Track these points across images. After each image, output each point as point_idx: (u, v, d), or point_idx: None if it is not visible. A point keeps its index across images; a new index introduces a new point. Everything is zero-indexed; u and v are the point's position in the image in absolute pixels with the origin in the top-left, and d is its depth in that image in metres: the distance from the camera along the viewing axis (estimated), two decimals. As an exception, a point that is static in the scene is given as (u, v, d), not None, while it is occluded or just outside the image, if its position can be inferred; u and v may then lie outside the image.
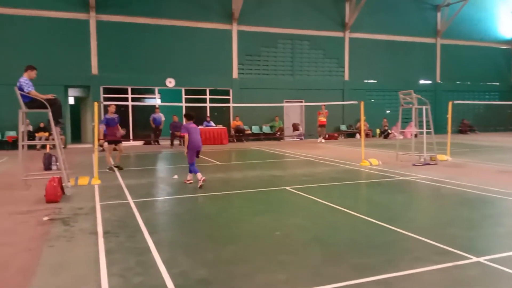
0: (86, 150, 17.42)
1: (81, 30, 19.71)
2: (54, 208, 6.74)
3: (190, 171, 9.15)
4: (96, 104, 10.02)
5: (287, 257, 4.43)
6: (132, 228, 5.56)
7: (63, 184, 7.95)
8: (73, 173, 9.90)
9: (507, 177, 9.56)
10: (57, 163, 10.91)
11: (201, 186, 8.61)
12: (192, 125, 9.15)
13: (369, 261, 4.29)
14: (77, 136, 22.38)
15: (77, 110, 23.13)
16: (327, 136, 22.66)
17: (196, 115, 9.57)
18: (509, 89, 29.90)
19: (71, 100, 23.05)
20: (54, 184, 7.30)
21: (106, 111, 19.71)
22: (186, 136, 9.02)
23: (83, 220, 6.04)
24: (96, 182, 9.20)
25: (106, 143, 12.24)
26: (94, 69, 20.11)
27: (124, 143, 19.82)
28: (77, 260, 4.40)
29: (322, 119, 21.89)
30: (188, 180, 9.33)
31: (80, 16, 19.68)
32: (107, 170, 11.16)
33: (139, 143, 21.04)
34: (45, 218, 6.05)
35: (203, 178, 8.70)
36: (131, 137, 21.02)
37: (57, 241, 5.04)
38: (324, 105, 21.35)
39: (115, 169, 11.32)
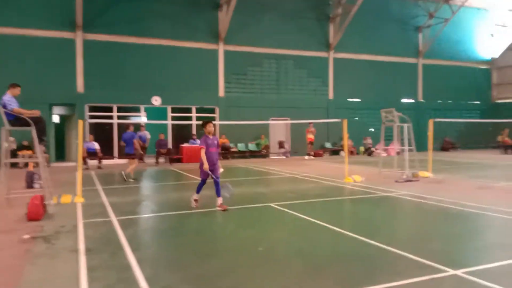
0: (70, 168, 17.26)
1: (67, 49, 19.75)
2: (36, 226, 6.68)
3: (198, 191, 8.26)
4: (81, 122, 10.01)
5: (270, 272, 4.48)
6: (114, 246, 5.54)
7: (46, 202, 7.88)
8: (56, 191, 9.80)
9: (485, 193, 9.78)
10: (40, 181, 10.80)
11: (224, 209, 7.85)
12: (210, 138, 8.20)
13: (351, 274, 4.37)
14: (61, 154, 22.14)
15: (61, 128, 22.94)
16: (312, 152, 22.86)
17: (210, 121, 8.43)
18: (489, 107, 30.68)
19: (56, 118, 22.89)
20: (36, 202, 7.24)
21: (92, 130, 19.73)
22: (203, 151, 7.99)
23: (65, 238, 6.00)
24: (79, 200, 9.13)
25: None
26: (80, 88, 20.09)
27: (109, 161, 19.80)
28: (59, 278, 4.37)
29: (310, 136, 22.14)
30: (195, 200, 8.25)
31: (67, 35, 19.74)
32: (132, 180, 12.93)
33: (124, 161, 20.88)
34: (26, 236, 5.98)
35: (225, 206, 7.92)
36: (115, 155, 20.89)
37: (38, 259, 5.00)
38: (312, 122, 21.65)
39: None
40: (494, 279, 4.12)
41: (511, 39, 30.42)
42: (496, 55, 30.96)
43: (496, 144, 25.92)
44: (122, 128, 21.24)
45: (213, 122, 8.52)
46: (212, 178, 8.03)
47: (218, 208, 7.90)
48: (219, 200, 8.00)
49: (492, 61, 31.01)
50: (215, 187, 8.03)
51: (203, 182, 8.27)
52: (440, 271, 4.39)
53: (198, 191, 8.25)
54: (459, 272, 4.34)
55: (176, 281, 4.22)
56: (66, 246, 5.54)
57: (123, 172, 13.28)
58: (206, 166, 7.87)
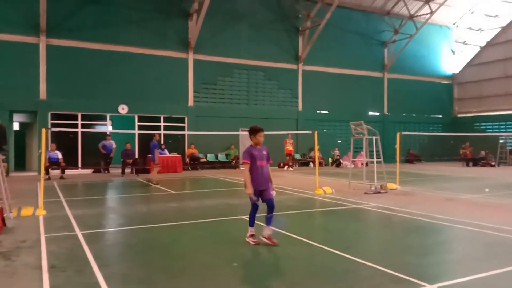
0: (31, 178, 16.51)
1: (30, 54, 19.01)
2: (-7, 241, 6.26)
3: (251, 223, 6.20)
4: (44, 130, 9.56)
5: (245, 289, 4.33)
6: (80, 262, 5.24)
7: (4, 215, 7.42)
8: (16, 203, 9.29)
9: (453, 205, 10.00)
10: (-2, 193, 10.21)
11: (274, 244, 6.05)
12: (257, 148, 6.24)
13: (327, 291, 4.28)
14: (21, 163, 21.17)
15: (22, 136, 21.98)
16: (291, 164, 22.87)
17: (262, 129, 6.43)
18: (451, 121, 31.83)
19: (16, 126, 21.92)
20: (-6, 215, 6.80)
21: (54, 138, 19.01)
22: (246, 167, 6.05)
23: (26, 253, 5.64)
24: (41, 212, 8.67)
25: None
26: (43, 94, 19.35)
27: (72, 171, 19.09)
28: (19, 298, 4.06)
29: (289, 147, 22.19)
30: (253, 238, 6.19)
31: (30, 39, 19.03)
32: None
33: (88, 171, 20.23)
34: (-17, 253, 5.59)
35: (275, 241, 6.07)
36: (79, 165, 20.19)
37: (-4, 277, 4.65)
38: (290, 133, 21.75)
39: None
40: (469, 293, 4.14)
41: (471, 56, 31.78)
42: (457, 70, 32.24)
43: (458, 157, 26.83)
44: (87, 137, 20.63)
45: (182, 132, 7.86)
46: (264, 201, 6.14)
47: (265, 240, 6.09)
48: (268, 231, 6.11)
49: (453, 76, 32.25)
50: (268, 212, 6.11)
51: (255, 207, 6.16)
52: (417, 285, 4.37)
53: (251, 224, 6.17)
54: (435, 286, 4.34)
55: (147, 300, 4.00)
56: (28, 263, 5.19)
57: (149, 179, 15.19)
58: (249, 190, 5.90)
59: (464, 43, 31.82)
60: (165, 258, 5.62)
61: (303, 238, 6.52)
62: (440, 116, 31.63)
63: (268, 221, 6.11)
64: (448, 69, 31.97)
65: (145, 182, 15.26)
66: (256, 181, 5.98)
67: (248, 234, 6.19)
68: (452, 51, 31.96)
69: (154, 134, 15.56)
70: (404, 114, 29.80)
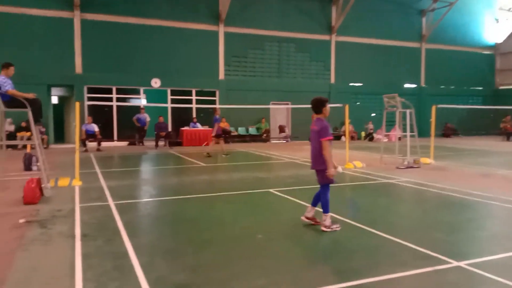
0: (69, 150, 17.13)
1: (65, 29, 19.43)
2: (32, 210, 6.57)
3: (325, 210, 5.49)
4: (77, 104, 9.82)
5: (268, 261, 4.37)
6: (111, 231, 5.43)
7: (43, 185, 7.76)
8: (54, 174, 9.70)
9: (489, 181, 9.66)
10: (38, 164, 10.68)
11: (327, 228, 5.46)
12: (312, 123, 5.63)
13: (351, 265, 4.26)
14: (60, 136, 22.02)
15: (60, 110, 22.77)
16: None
17: (316, 100, 5.65)
18: (492, 94, 30.41)
19: (54, 100, 22.68)
20: (32, 185, 7.12)
21: (91, 111, 19.54)
22: (326, 143, 5.34)
23: (61, 222, 5.89)
24: (77, 183, 9.02)
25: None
26: (78, 69, 19.84)
27: (108, 144, 19.69)
28: (52, 265, 4.26)
29: None
30: (335, 224, 5.53)
31: (64, 14, 19.40)
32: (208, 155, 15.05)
33: (124, 143, 20.79)
34: (21, 221, 5.88)
35: (338, 226, 5.52)
36: (115, 137, 20.76)
37: (32, 245, 4.89)
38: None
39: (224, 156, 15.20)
40: (499, 271, 4.01)
41: (516, 24, 30.01)
42: (500, 40, 30.53)
43: (498, 131, 25.74)
44: (122, 110, 21.11)
45: (214, 105, 7.64)
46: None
47: (307, 221, 5.75)
48: (313, 212, 5.72)
49: (496, 47, 30.60)
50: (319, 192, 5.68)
51: (329, 189, 5.58)
52: (444, 262, 4.28)
53: (327, 209, 5.50)
54: (462, 263, 4.23)
55: (171, 270, 4.11)
56: (62, 231, 5.43)
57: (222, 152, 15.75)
58: (331, 170, 5.31)
59: (509, 10, 29.97)
60: (192, 229, 5.74)
61: (330, 212, 6.47)
62: (481, 88, 30.27)
63: (317, 202, 5.70)
64: (490, 38, 30.32)
65: (205, 154, 15.33)
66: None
67: (328, 222, 5.45)
68: (496, 19, 30.20)
69: (215, 109, 16.24)
70: (442, 86, 28.72)
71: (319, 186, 5.66)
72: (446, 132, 27.39)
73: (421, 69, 28.18)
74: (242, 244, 5.00)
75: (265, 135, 23.10)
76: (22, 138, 16.70)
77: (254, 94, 22.56)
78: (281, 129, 23.99)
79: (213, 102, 22.37)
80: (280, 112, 24.56)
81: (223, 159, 14.77)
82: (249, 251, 4.73)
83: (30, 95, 8.06)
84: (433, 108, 13.68)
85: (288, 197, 7.75)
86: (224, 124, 22.01)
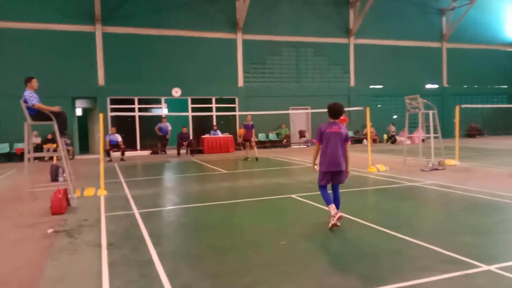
0: (94, 160, 17.49)
1: (87, 42, 19.92)
2: (59, 220, 6.74)
3: (327, 201, 5.94)
4: (101, 115, 10.04)
5: (291, 268, 4.36)
6: (136, 240, 5.52)
7: (69, 196, 7.95)
8: (80, 184, 9.93)
9: (517, 182, 9.40)
10: (64, 175, 10.94)
11: (333, 225, 5.72)
12: (334, 126, 5.99)
13: (376, 270, 4.21)
14: (85, 147, 22.51)
15: (84, 121, 23.30)
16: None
17: (343, 107, 6.21)
18: (517, 92, 29.64)
19: (78, 112, 23.24)
20: (59, 196, 7.30)
21: (114, 122, 19.93)
22: (316, 146, 6.12)
23: (87, 232, 6.02)
24: (102, 193, 9.20)
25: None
26: (101, 80, 20.28)
27: (131, 153, 20.01)
28: (80, 274, 4.36)
29: (344, 125, 21.82)
30: (334, 218, 5.73)
31: (86, 28, 19.90)
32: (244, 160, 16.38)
33: (146, 152, 21.10)
34: (50, 231, 6.04)
35: (339, 214, 5.77)
36: (138, 147, 21.09)
37: (60, 254, 5.02)
38: (344, 111, 21.29)
39: (249, 159, 16.29)
40: (530, 275, 3.90)
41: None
42: (524, 36, 29.80)
43: (525, 129, 25.05)
44: (144, 120, 21.46)
45: (234, 112, 7.85)
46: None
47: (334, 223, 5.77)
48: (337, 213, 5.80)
49: (520, 43, 29.86)
50: (334, 193, 6.11)
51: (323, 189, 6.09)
52: (473, 266, 4.18)
53: (329, 202, 5.92)
54: (492, 267, 4.13)
55: (196, 277, 4.15)
56: (88, 241, 5.55)
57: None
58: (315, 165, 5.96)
59: (533, 5, 29.24)
60: (215, 236, 5.77)
61: (353, 217, 6.42)
62: (505, 86, 29.51)
63: (337, 204, 6.08)
64: (513, 35, 29.62)
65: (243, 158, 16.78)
66: (329, 160, 6.01)
67: (332, 215, 5.78)
68: (519, 15, 29.50)
69: (247, 116, 17.00)
70: (465, 86, 28.16)
71: (342, 190, 5.66)
72: (471, 132, 26.80)
73: (443, 69, 27.71)
74: (265, 250, 5.00)
75: (285, 140, 23.08)
76: (48, 150, 17.16)
77: (273, 100, 22.59)
78: (301, 134, 23.93)
79: (233, 109, 22.50)
80: (299, 117, 24.51)
81: (244, 165, 14.82)
82: (272, 257, 4.72)
83: (56, 108, 8.29)
84: (457, 108, 13.42)
85: (310, 202, 7.71)
86: (243, 131, 22.12)
